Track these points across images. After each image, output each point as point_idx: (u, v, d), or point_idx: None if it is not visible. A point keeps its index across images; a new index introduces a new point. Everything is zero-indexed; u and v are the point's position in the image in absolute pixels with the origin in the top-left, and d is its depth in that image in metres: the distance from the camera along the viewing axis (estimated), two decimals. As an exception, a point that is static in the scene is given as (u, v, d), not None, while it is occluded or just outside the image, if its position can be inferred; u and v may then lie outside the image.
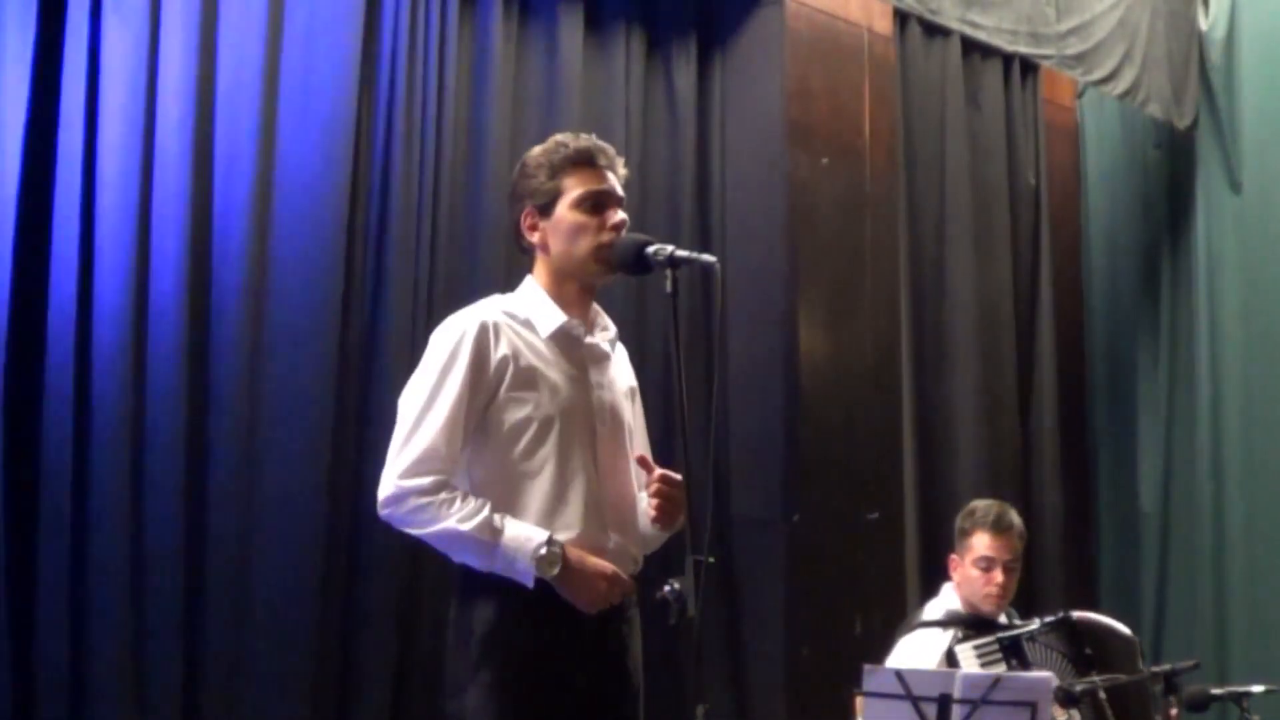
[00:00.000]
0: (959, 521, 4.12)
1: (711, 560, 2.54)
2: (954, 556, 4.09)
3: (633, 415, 2.92)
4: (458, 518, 2.63)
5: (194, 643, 3.81)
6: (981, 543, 4.00)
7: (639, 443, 2.94)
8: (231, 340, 3.93)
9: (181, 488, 3.80)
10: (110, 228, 3.75)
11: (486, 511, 2.64)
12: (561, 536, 2.68)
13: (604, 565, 2.69)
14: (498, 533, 2.63)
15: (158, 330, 3.81)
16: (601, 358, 2.85)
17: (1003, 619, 4.04)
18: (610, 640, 2.74)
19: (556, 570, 2.63)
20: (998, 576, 3.98)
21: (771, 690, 4.84)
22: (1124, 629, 3.98)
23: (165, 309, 3.82)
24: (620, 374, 2.91)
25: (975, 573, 4.00)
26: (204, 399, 3.90)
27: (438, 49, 4.43)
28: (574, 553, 2.66)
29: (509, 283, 2.89)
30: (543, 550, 2.62)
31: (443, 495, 2.65)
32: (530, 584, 2.63)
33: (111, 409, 3.71)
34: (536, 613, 2.66)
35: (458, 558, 2.70)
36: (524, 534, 2.64)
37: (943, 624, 3.98)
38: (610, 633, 2.73)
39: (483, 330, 2.73)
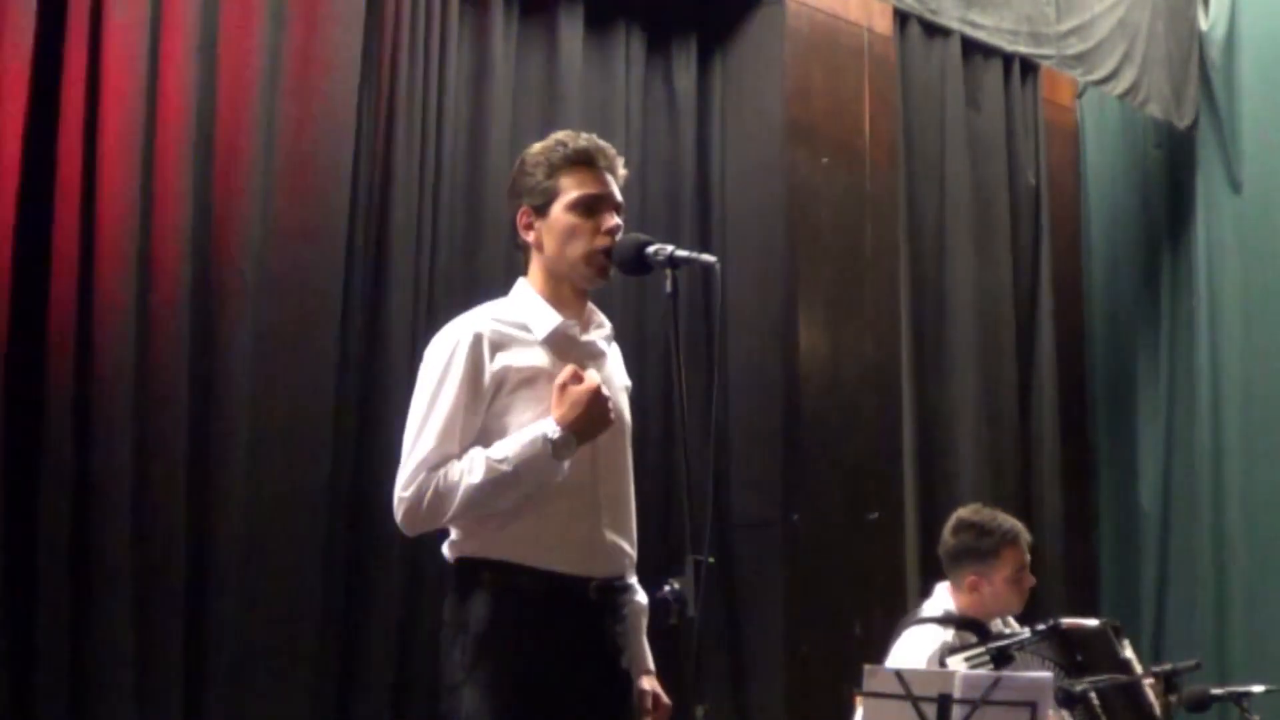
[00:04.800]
0: (975, 541, 3.98)
1: (711, 560, 2.54)
2: (972, 577, 3.97)
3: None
4: (465, 479, 2.62)
5: (194, 643, 3.81)
6: (1015, 557, 3.96)
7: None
8: (232, 340, 3.93)
9: (182, 488, 3.80)
10: (110, 227, 3.75)
11: (481, 457, 2.63)
12: (555, 538, 2.68)
13: (581, 392, 2.64)
14: (504, 461, 2.62)
15: (158, 330, 3.81)
16: (598, 355, 2.85)
17: (996, 623, 4.03)
18: (605, 640, 2.73)
19: (574, 442, 2.63)
20: (1029, 580, 4.00)
21: (771, 690, 4.85)
22: (1093, 621, 3.96)
23: (165, 309, 3.82)
24: (616, 372, 2.90)
25: (1007, 587, 3.96)
26: (205, 399, 3.90)
27: (438, 48, 4.43)
28: (563, 418, 2.63)
29: (509, 282, 2.89)
30: (550, 445, 2.61)
31: (438, 473, 2.64)
32: (566, 467, 2.63)
33: (111, 409, 3.71)
34: (530, 612, 2.66)
35: (496, 506, 2.66)
36: (529, 451, 2.62)
37: (941, 621, 3.97)
38: (605, 632, 2.73)
39: (476, 339, 2.72)
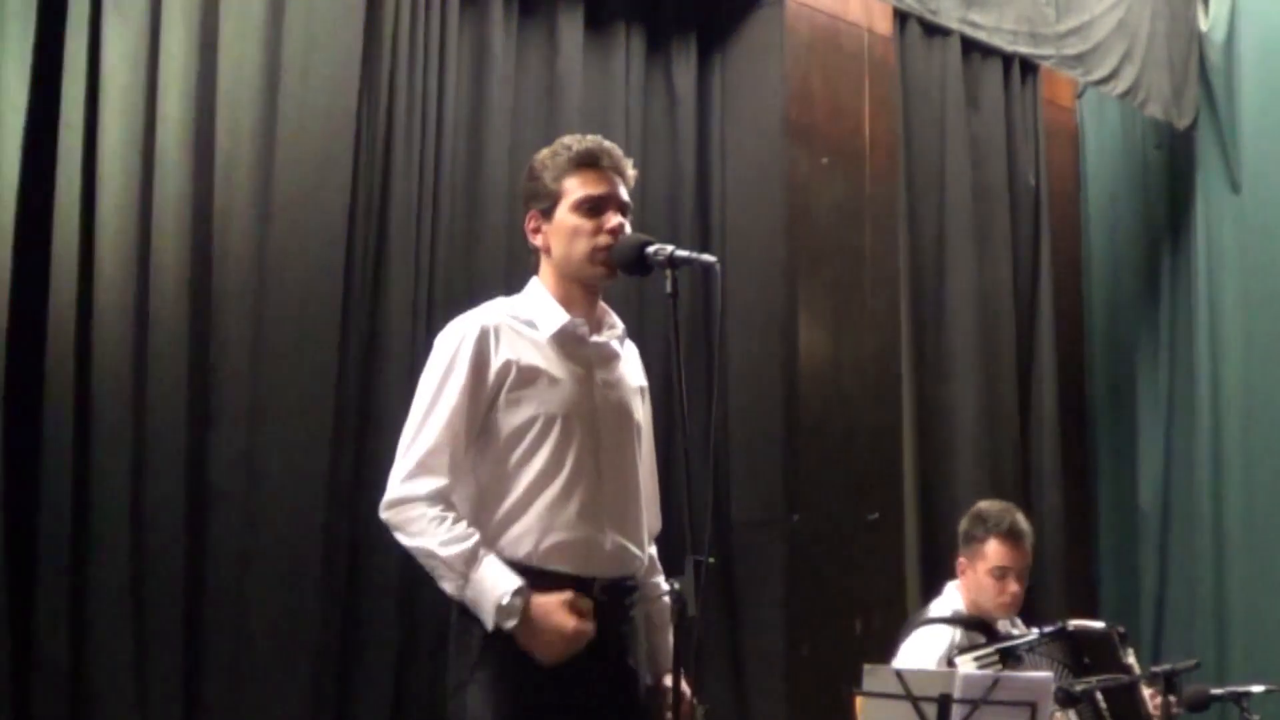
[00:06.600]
0: (967, 525, 4.05)
1: (711, 560, 2.54)
2: (962, 560, 4.04)
3: (641, 414, 2.92)
4: (441, 540, 2.63)
5: (194, 644, 3.81)
6: (995, 552, 3.96)
7: (645, 441, 2.94)
8: (231, 340, 3.93)
9: (182, 488, 3.81)
10: (110, 228, 3.75)
11: (470, 544, 2.63)
12: (557, 538, 2.68)
13: (566, 623, 2.62)
14: (472, 566, 2.62)
15: (158, 330, 3.81)
16: (610, 356, 2.85)
17: (1004, 624, 4.03)
18: (610, 641, 2.73)
19: (513, 623, 2.61)
20: (1012, 585, 3.96)
21: (771, 690, 4.85)
22: (1100, 625, 3.97)
23: (165, 309, 3.82)
24: (630, 372, 2.90)
25: (989, 581, 3.96)
26: (204, 399, 3.90)
27: (438, 49, 4.43)
28: (539, 607, 2.62)
29: (508, 283, 2.90)
30: (504, 601, 2.60)
31: (437, 510, 2.65)
32: (490, 628, 2.62)
33: (111, 409, 3.71)
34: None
35: (434, 575, 2.69)
36: (493, 579, 2.62)
37: (950, 621, 3.97)
38: (610, 634, 2.73)
39: (483, 334, 2.73)
